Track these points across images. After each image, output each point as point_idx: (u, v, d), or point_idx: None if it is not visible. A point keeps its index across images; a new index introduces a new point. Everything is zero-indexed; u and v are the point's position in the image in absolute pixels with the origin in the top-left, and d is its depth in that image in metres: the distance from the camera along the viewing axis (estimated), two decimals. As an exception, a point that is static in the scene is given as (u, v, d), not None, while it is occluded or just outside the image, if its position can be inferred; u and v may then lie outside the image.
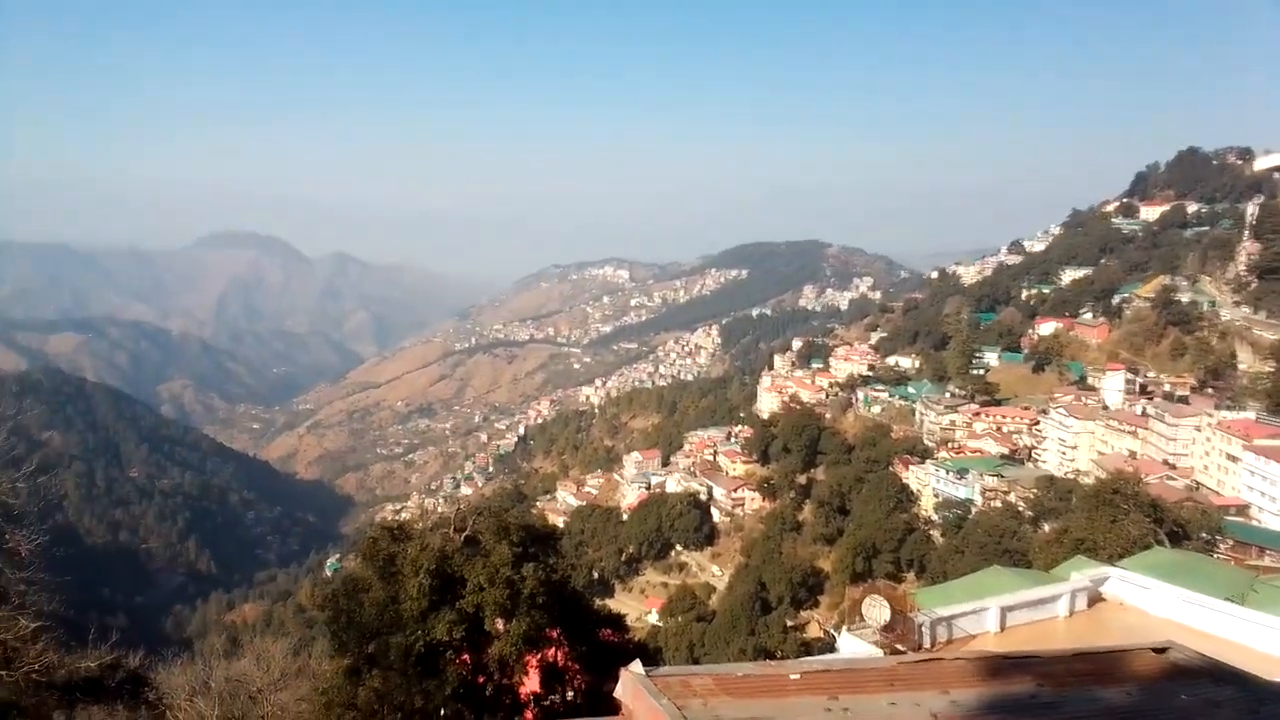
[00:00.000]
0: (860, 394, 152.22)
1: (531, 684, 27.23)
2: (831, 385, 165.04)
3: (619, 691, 11.43)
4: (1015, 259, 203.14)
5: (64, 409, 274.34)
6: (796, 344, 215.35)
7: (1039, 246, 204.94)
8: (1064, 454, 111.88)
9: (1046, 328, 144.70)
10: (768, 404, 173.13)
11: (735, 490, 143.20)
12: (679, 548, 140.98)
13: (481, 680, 26.18)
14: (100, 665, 25.37)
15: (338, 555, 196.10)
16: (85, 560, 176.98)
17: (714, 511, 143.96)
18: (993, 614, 21.22)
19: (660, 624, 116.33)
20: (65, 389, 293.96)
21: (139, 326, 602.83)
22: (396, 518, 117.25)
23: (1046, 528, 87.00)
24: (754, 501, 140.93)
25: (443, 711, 25.47)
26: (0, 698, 21.32)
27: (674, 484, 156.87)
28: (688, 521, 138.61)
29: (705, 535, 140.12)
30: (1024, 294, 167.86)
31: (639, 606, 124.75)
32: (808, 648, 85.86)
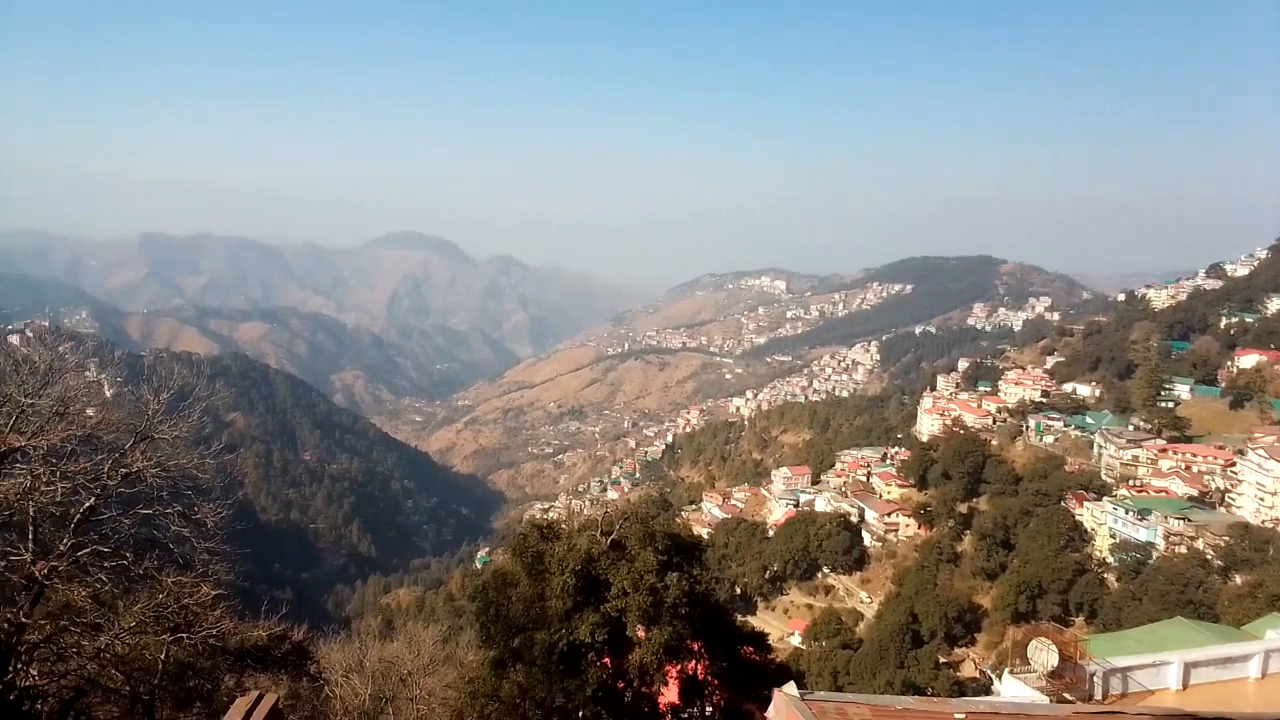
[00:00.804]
0: (1032, 421, 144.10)
1: (670, 695, 26.94)
2: (1000, 410, 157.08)
3: (771, 712, 10.91)
4: (1214, 284, 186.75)
5: (248, 393, 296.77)
6: (963, 364, 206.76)
7: (1242, 271, 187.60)
8: (1262, 500, 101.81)
9: (1248, 360, 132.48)
10: (928, 426, 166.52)
11: (889, 515, 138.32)
12: (826, 570, 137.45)
13: (621, 686, 26.09)
14: (270, 636, 26.89)
15: (487, 549, 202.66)
16: (260, 535, 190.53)
17: (865, 535, 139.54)
18: (1175, 669, 19.65)
19: (803, 647, 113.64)
20: (251, 374, 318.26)
21: (318, 319, 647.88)
22: (545, 516, 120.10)
23: (1238, 579, 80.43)
24: (909, 528, 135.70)
25: (581, 713, 25.54)
26: (179, 658, 22.88)
27: (823, 503, 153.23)
28: (837, 543, 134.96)
29: (855, 559, 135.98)
30: (1223, 322, 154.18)
31: (781, 627, 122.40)
32: (961, 687, 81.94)
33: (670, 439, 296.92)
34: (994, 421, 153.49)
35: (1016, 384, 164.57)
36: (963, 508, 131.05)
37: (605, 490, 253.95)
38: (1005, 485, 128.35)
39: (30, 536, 19.04)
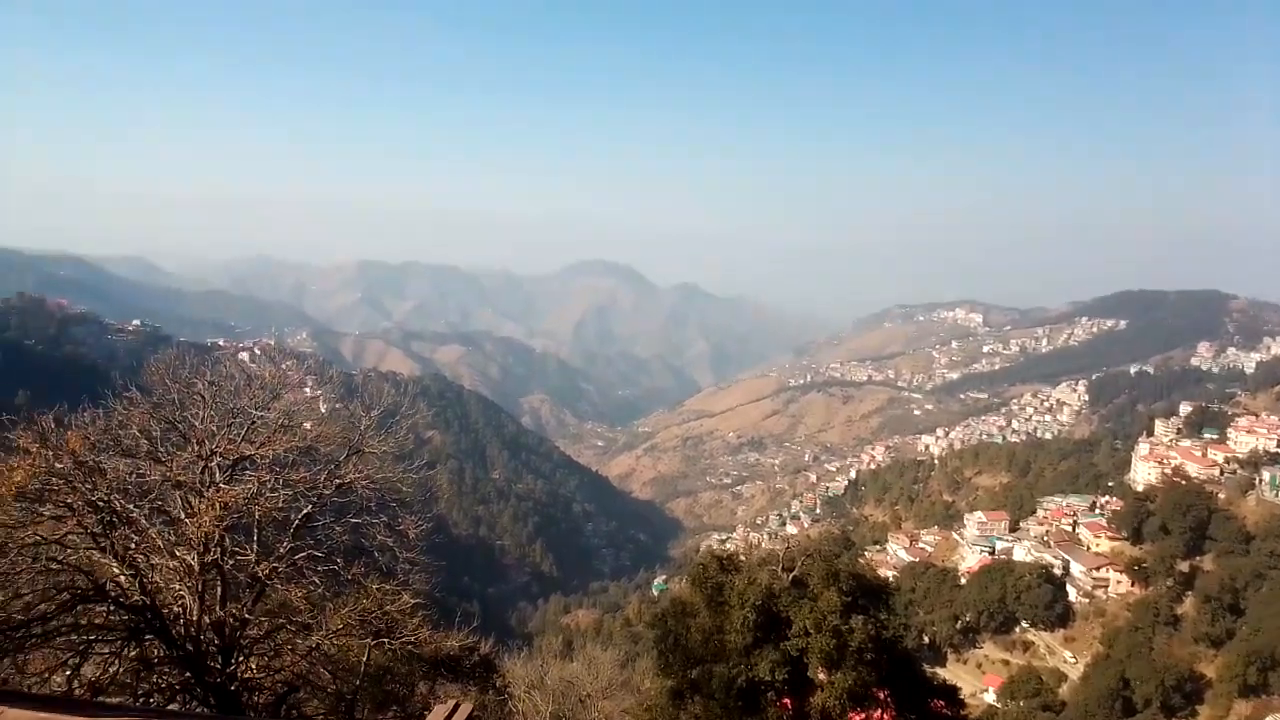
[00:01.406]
0: (1266, 474, 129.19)
1: (854, 744, 25.75)
2: (1228, 461, 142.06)
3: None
4: None
5: (445, 412, 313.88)
6: (1185, 409, 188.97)
7: None
8: None
9: None
10: (1143, 475, 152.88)
11: (1098, 569, 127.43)
12: (1025, 624, 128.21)
13: (803, 730, 25.22)
14: (461, 646, 27.92)
15: (664, 576, 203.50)
16: (452, 549, 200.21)
17: (1069, 589, 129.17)
18: None
19: (998, 705, 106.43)
20: (447, 394, 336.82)
21: (509, 343, 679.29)
22: (723, 548, 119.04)
23: None
24: (1120, 584, 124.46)
25: (760, 754, 24.83)
26: (379, 662, 24.11)
27: (1022, 552, 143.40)
28: (1037, 596, 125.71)
29: (1058, 615, 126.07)
30: None
31: (974, 681, 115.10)
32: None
33: (853, 475, 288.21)
34: (1221, 473, 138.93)
35: (1249, 432, 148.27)
36: (1183, 566, 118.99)
37: (784, 524, 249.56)
38: (1234, 543, 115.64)
39: (255, 538, 20.70)
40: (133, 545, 19.27)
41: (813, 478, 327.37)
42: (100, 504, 18.76)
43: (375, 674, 24.40)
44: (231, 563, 20.31)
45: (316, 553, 20.98)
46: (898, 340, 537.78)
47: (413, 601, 22.44)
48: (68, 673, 17.62)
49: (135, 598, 18.63)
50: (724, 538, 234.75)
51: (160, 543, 19.74)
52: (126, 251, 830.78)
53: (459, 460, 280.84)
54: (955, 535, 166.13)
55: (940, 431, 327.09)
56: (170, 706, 18.74)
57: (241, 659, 20.65)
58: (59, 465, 18.56)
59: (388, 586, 21.97)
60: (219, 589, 20.19)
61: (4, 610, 16.75)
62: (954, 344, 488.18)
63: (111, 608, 18.68)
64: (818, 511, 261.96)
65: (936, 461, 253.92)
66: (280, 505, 20.91)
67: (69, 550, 18.34)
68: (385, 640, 21.98)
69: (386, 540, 22.01)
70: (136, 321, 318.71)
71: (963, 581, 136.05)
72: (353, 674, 22.99)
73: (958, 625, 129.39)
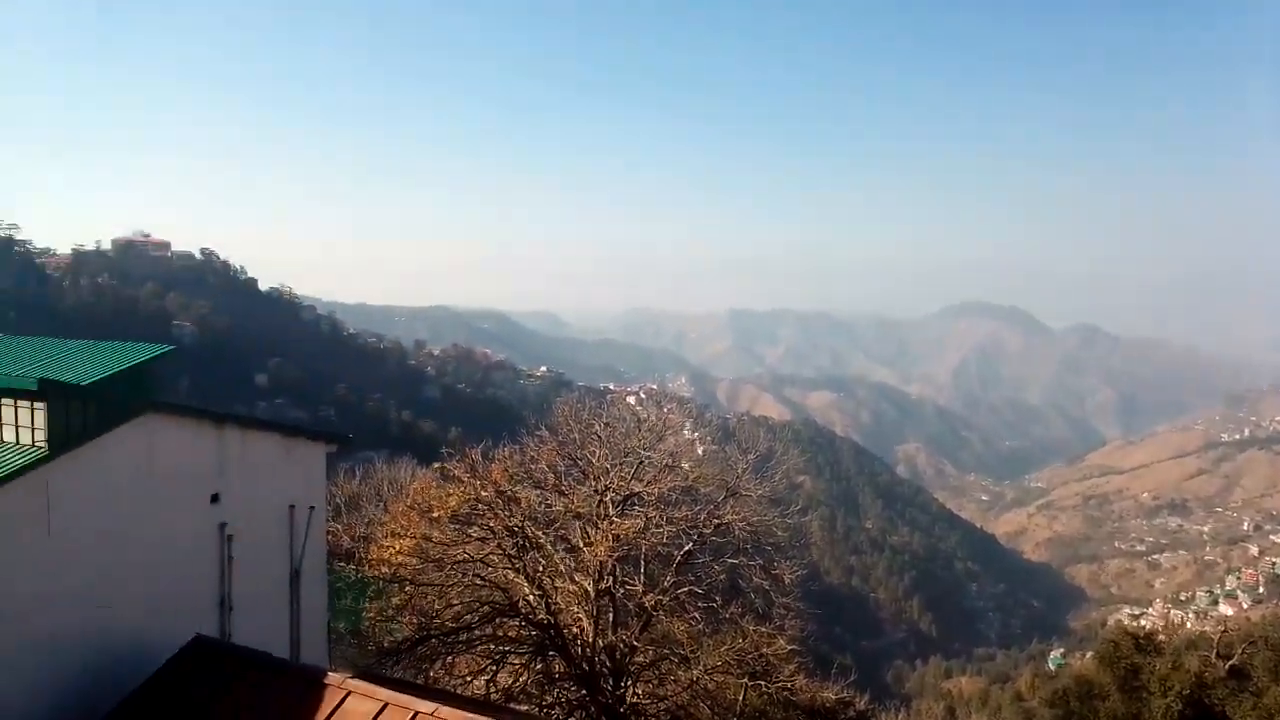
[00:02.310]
0: None
1: None
2: None
3: None
4: None
5: (816, 458, 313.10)
6: None
7: None
8: None
9: None
10: None
11: None
12: None
13: None
14: (837, 699, 27.20)
15: (1062, 649, 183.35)
16: (824, 597, 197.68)
17: None
18: None
19: None
20: (818, 440, 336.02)
21: (882, 389, 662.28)
22: (1137, 624, 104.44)
23: None
24: None
25: None
26: (755, 704, 24.22)
27: None
28: None
29: None
30: None
31: None
32: None
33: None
34: None
35: None
36: None
37: (1216, 603, 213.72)
38: None
39: (642, 570, 21.94)
40: (540, 568, 21.43)
41: (1254, 550, 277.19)
42: (515, 529, 21.13)
43: (752, 715, 24.54)
44: (622, 591, 21.72)
45: (697, 589, 21.74)
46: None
47: (788, 647, 22.32)
48: (486, 678, 19.98)
49: (542, 616, 20.61)
50: (1137, 613, 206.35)
51: (562, 568, 21.73)
52: (535, 306, 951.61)
53: (830, 507, 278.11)
54: None
55: None
56: (568, 721, 20.36)
57: (630, 683, 21.90)
58: (484, 493, 21.24)
59: (763, 629, 22.10)
60: (611, 615, 21.65)
61: (440, 617, 19.53)
62: None
63: (522, 623, 20.85)
64: (1261, 591, 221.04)
65: None
66: (665, 541, 22.02)
67: (490, 568, 20.87)
68: (762, 683, 22.06)
69: (762, 583, 22.21)
70: (544, 368, 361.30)
71: None
72: (730, 712, 23.33)
73: None
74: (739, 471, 23.85)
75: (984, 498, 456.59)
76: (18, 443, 15.52)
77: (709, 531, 22.63)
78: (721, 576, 22.66)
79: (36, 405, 15.42)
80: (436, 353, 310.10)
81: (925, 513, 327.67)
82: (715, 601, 21.88)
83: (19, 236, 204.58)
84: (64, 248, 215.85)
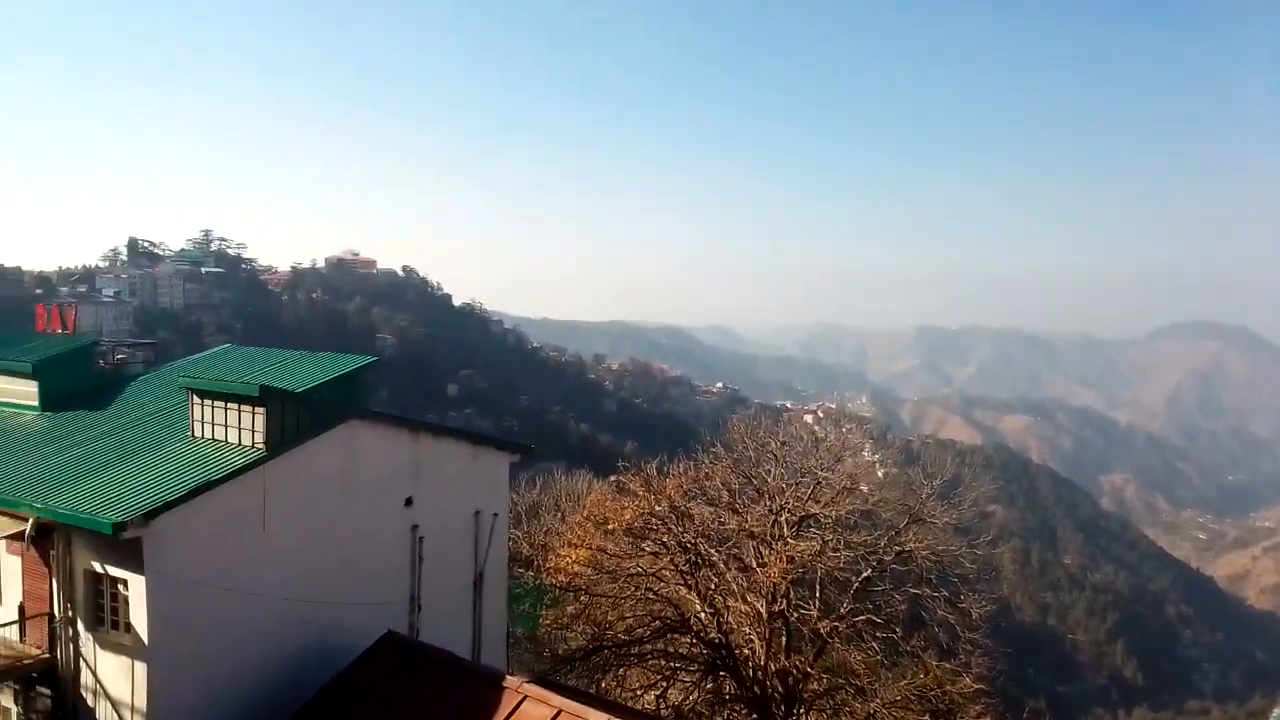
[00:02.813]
0: None
1: None
2: None
3: None
4: None
5: (1009, 486, 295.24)
6: None
7: None
8: None
9: None
10: None
11: None
12: None
13: None
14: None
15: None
16: (1016, 636, 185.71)
17: None
18: None
19: None
20: (1012, 467, 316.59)
21: (1085, 414, 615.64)
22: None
23: None
24: None
25: None
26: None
27: None
28: None
29: None
30: None
31: None
32: None
33: None
34: None
35: None
36: None
37: None
38: None
39: (817, 595, 21.34)
40: (712, 586, 21.28)
41: None
42: (688, 545, 21.11)
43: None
44: (796, 616, 21.19)
45: (876, 618, 20.89)
46: None
47: (974, 686, 21.01)
48: (656, 694, 20.00)
49: (713, 635, 20.45)
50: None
51: (735, 587, 21.48)
52: (713, 322, 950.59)
53: (1024, 539, 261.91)
54: None
55: None
56: (738, 745, 20.03)
57: (802, 711, 21.30)
58: (658, 508, 21.39)
59: (947, 665, 20.96)
60: (784, 639, 21.17)
61: (612, 629, 19.77)
62: None
63: (693, 640, 20.77)
64: None
65: None
66: (841, 565, 21.33)
67: (662, 583, 20.95)
68: (943, 722, 20.87)
69: (947, 615, 21.06)
70: (719, 384, 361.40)
71: None
72: (909, 751, 22.21)
73: None
74: (923, 497, 22.82)
75: (1201, 536, 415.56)
76: (239, 444, 17.12)
77: (889, 558, 21.72)
78: (902, 606, 21.69)
79: (257, 410, 16.96)
80: (615, 367, 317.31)
81: (1132, 550, 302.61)
82: (895, 632, 20.94)
83: (246, 255, 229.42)
84: (284, 265, 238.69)
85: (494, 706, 14.60)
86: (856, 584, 21.41)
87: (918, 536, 21.68)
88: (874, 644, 20.80)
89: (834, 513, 22.05)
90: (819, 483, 22.81)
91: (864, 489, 24.70)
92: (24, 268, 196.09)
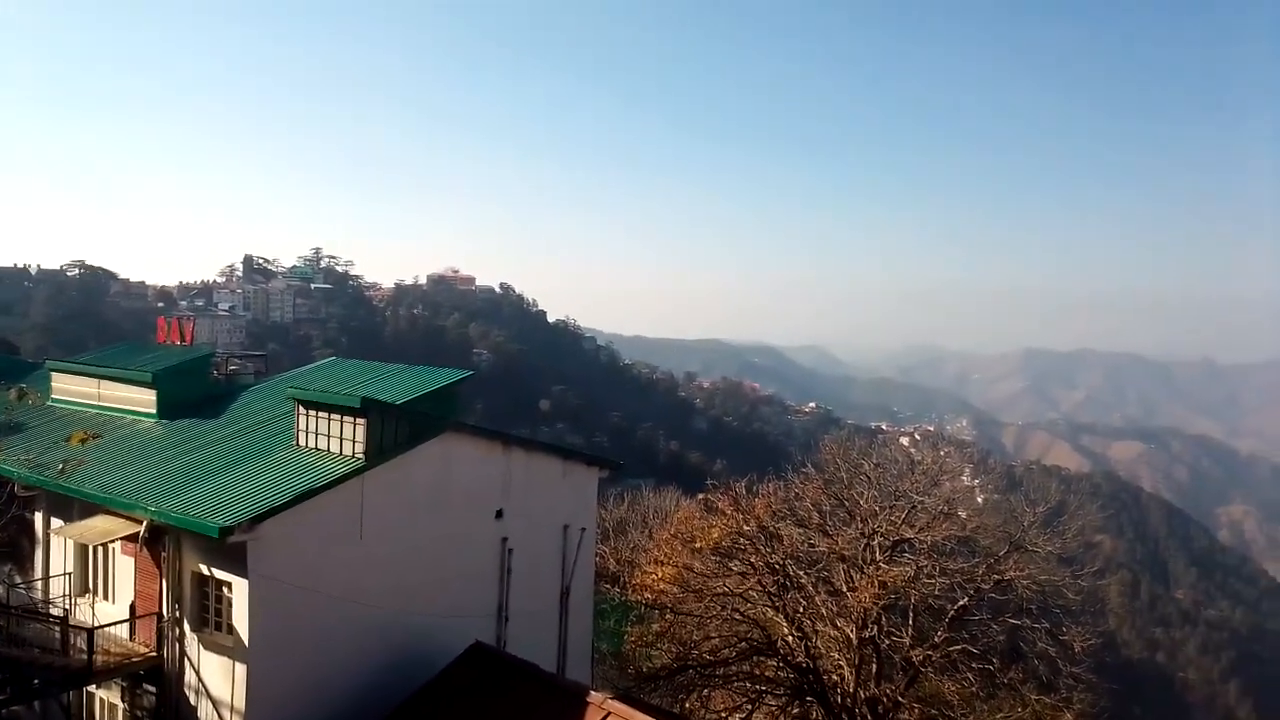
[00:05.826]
0: None
1: None
2: None
3: None
4: None
5: (1117, 516, 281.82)
6: None
7: None
8: None
9: None
10: None
11: None
12: None
13: None
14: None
15: None
16: (1121, 672, 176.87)
17: None
18: None
19: None
20: (1121, 496, 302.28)
21: (1203, 442, 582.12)
22: None
23: None
24: None
25: None
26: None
27: None
28: None
29: None
30: None
31: None
32: None
33: None
34: None
35: None
36: None
37: None
38: None
39: (910, 622, 20.71)
40: (801, 609, 20.90)
41: None
42: (776, 566, 20.82)
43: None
44: (887, 643, 20.62)
45: (972, 648, 20.14)
46: None
47: (1075, 722, 20.05)
48: (740, 717, 19.73)
49: (800, 659, 20.06)
50: None
51: (824, 611, 21.04)
52: (808, 341, 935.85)
53: (1132, 571, 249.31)
54: None
55: None
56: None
57: (893, 742, 20.68)
58: (746, 528, 21.17)
59: (1048, 699, 20.08)
60: (874, 666, 20.63)
61: (698, 649, 19.62)
62: None
63: (780, 664, 20.41)
64: None
65: None
66: (936, 593, 20.69)
67: (749, 604, 20.68)
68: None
69: (1048, 648, 20.18)
70: (812, 404, 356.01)
71: None
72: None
73: None
74: (1025, 524, 21.96)
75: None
76: (341, 453, 17.72)
77: (988, 587, 20.94)
78: (1000, 637, 20.87)
79: (358, 421, 17.54)
80: (706, 385, 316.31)
81: (1252, 586, 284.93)
82: (992, 664, 20.13)
83: (354, 272, 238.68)
84: (388, 281, 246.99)
85: (579, 721, 14.65)
86: (952, 612, 20.71)
87: (1018, 565, 20.83)
88: (969, 675, 20.03)
89: (929, 538, 21.40)
90: (914, 506, 22.21)
91: (962, 514, 23.92)
92: (148, 282, 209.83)
